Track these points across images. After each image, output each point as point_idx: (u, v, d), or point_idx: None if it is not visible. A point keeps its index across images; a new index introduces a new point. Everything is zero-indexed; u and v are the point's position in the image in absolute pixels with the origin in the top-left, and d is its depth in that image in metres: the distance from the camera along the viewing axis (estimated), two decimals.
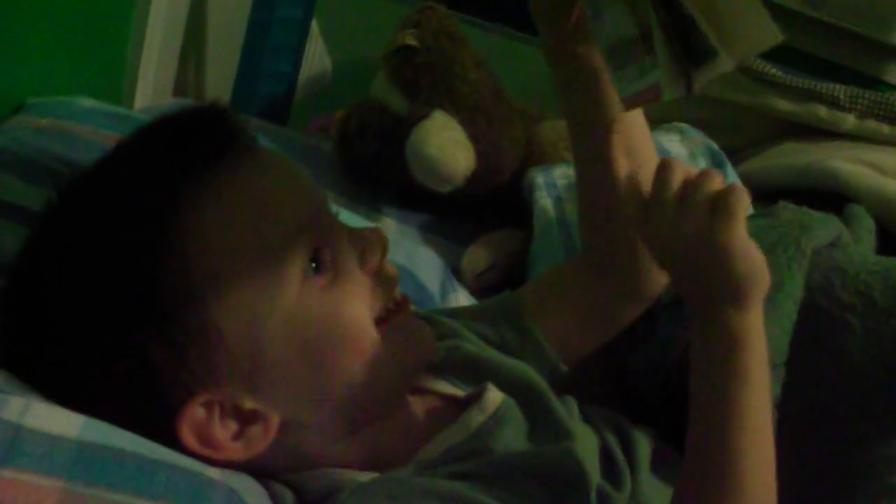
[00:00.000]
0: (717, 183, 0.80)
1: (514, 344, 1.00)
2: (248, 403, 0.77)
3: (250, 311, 0.76)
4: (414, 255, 1.29)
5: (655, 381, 1.14)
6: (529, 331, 1.00)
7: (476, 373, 0.94)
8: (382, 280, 0.83)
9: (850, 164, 1.35)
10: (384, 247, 0.84)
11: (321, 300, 0.79)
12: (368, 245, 0.82)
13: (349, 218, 1.31)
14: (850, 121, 1.46)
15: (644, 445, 0.95)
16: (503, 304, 1.04)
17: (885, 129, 1.48)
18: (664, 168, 0.81)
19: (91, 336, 0.75)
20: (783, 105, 1.49)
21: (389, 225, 1.51)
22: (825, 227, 1.15)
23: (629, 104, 0.80)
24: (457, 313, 1.06)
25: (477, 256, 1.44)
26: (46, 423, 0.69)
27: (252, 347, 0.76)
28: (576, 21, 0.89)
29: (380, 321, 0.83)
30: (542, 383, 0.94)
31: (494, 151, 1.50)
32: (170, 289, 0.74)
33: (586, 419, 0.96)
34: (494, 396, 0.89)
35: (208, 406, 0.76)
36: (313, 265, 0.79)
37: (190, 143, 0.79)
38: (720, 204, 0.78)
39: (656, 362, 1.14)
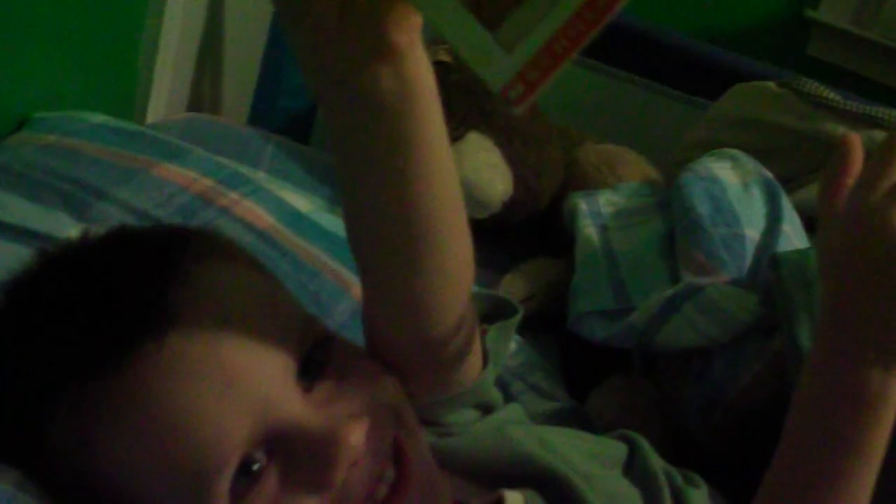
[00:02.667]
0: None
1: (445, 412, 0.86)
2: None
3: None
4: None
5: (707, 421, 1.11)
6: (439, 402, 0.84)
7: (480, 471, 0.82)
8: (348, 496, 0.67)
9: None
10: (353, 457, 0.66)
11: None
12: (325, 463, 0.65)
13: None
14: None
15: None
16: None
17: None
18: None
19: None
20: (842, 131, 1.42)
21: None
22: None
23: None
24: None
25: (514, 286, 1.38)
26: None
27: None
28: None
29: None
30: (554, 463, 0.82)
31: (532, 175, 1.45)
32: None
33: (633, 470, 0.89)
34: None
35: None
36: (248, 478, 0.64)
37: (79, 332, 0.64)
38: None
39: (709, 403, 1.12)
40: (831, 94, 1.48)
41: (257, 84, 1.75)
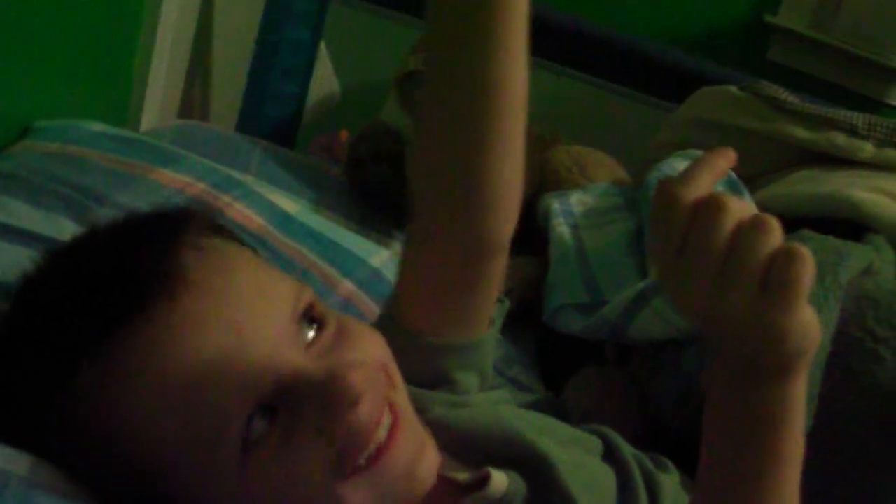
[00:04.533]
0: (774, 240, 0.62)
1: (453, 364, 0.90)
2: None
3: (187, 485, 0.68)
4: None
5: (681, 411, 1.13)
6: (447, 346, 0.89)
7: (468, 447, 0.84)
8: (351, 437, 0.69)
9: (868, 192, 1.33)
10: (355, 398, 0.68)
11: (268, 471, 0.67)
12: (331, 404, 0.68)
13: (358, 242, 1.30)
14: (868, 149, 1.44)
15: (669, 491, 0.92)
16: (401, 347, 0.85)
17: None
18: (714, 207, 0.63)
19: None
20: (800, 133, 1.47)
21: (400, 249, 1.47)
22: (860, 255, 1.15)
23: None
24: None
25: None
26: None
27: None
28: None
29: (353, 472, 0.70)
30: (539, 445, 0.85)
31: None
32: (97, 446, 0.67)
33: (610, 459, 0.92)
34: (499, 483, 0.80)
35: None
36: (260, 424, 0.67)
37: (89, 301, 0.67)
38: (778, 277, 0.62)
39: (682, 394, 1.13)
40: (790, 98, 1.51)
41: (245, 92, 1.77)
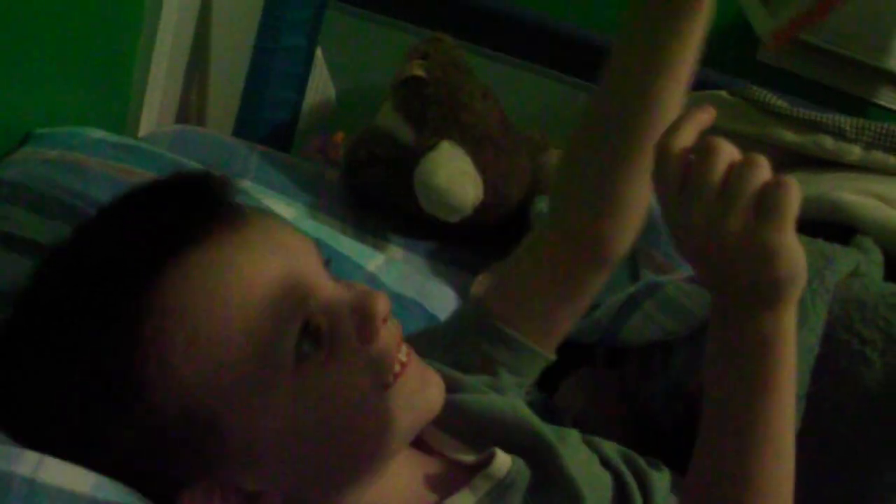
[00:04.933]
0: (765, 173, 0.70)
1: (505, 359, 0.99)
2: (250, 485, 0.76)
3: (243, 403, 0.73)
4: (424, 288, 1.29)
5: (671, 411, 1.15)
6: (511, 339, 0.99)
7: (479, 431, 0.91)
8: (384, 349, 0.78)
9: (856, 195, 1.35)
10: (384, 314, 0.78)
11: (318, 382, 0.75)
12: (367, 317, 0.77)
13: (355, 247, 1.32)
14: (856, 152, 1.45)
15: (660, 489, 0.95)
16: (472, 319, 1.02)
17: (892, 160, 1.47)
18: (708, 149, 0.71)
19: (79, 426, 0.73)
20: (789, 136, 1.49)
21: (397, 253, 1.50)
22: (847, 258, 1.17)
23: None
24: (432, 343, 1.01)
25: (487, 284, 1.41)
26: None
27: (250, 436, 0.74)
28: None
29: (384, 386, 0.79)
30: (548, 435, 0.91)
31: (502, 181, 1.50)
32: (145, 383, 0.72)
33: (605, 463, 0.95)
34: (502, 463, 0.87)
35: (209, 489, 0.75)
36: (309, 341, 0.75)
37: (165, 221, 0.76)
38: (769, 202, 0.69)
39: (672, 393, 1.16)
40: (779, 102, 1.53)
41: (242, 98, 1.78)
